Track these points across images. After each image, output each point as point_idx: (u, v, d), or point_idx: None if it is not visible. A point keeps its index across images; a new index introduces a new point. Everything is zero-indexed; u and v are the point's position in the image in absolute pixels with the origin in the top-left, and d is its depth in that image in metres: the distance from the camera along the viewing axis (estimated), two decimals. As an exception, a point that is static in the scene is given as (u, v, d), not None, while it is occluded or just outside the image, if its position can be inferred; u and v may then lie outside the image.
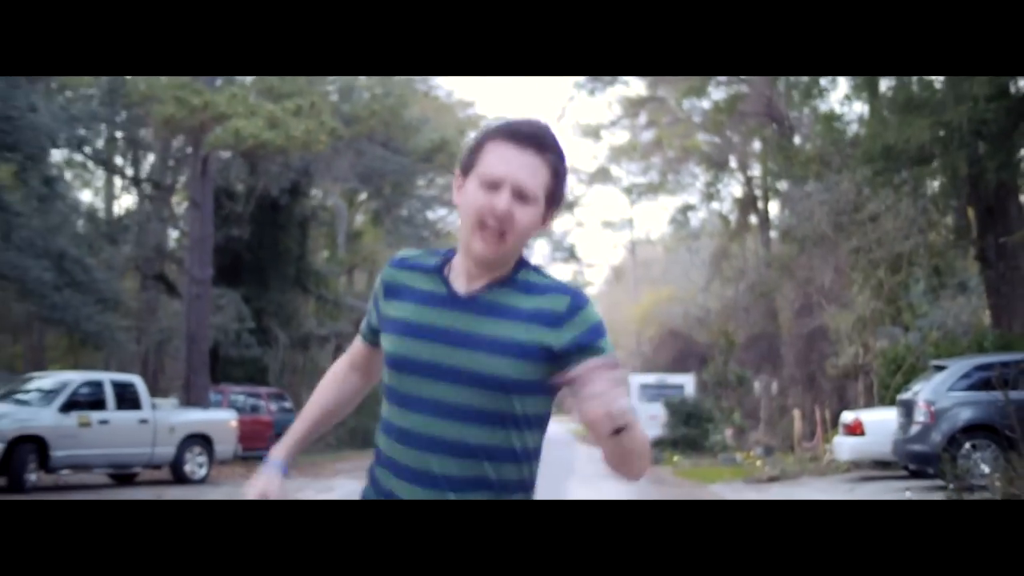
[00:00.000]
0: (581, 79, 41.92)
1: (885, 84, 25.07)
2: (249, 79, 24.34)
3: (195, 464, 21.34)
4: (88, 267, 19.90)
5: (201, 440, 21.48)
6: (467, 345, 2.63)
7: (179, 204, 34.68)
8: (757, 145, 40.59)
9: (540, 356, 2.62)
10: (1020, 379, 15.24)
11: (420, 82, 37.53)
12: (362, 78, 26.96)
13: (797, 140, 32.23)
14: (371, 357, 2.94)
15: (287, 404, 28.90)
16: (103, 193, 38.18)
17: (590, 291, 56.30)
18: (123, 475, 21.23)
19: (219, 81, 23.47)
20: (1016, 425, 14.12)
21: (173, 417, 21.35)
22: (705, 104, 39.19)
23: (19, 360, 37.74)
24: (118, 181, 35.48)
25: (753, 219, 44.03)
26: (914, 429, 16.51)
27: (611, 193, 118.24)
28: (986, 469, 15.05)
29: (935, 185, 23.39)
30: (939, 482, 15.22)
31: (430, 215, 39.02)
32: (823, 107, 27.82)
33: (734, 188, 46.29)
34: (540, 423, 2.76)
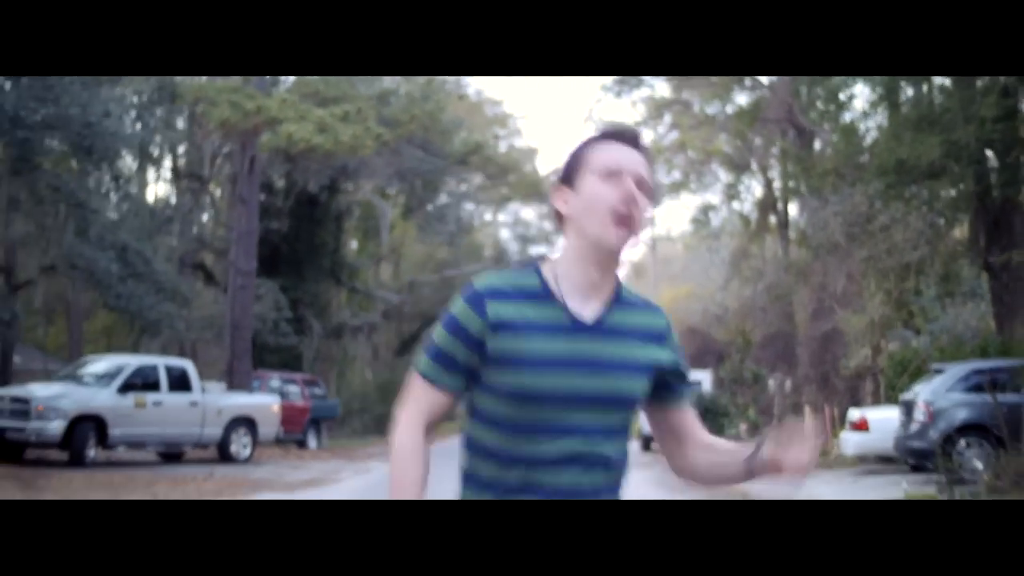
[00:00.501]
0: (608, 82, 43.10)
1: (903, 97, 26.39)
2: (292, 82, 25.78)
3: (240, 445, 22.86)
4: (148, 259, 21.41)
5: (246, 422, 23.01)
6: (605, 370, 2.69)
7: (216, 195, 36.21)
8: (778, 147, 41.63)
9: (653, 372, 2.77)
10: (1011, 383, 16.64)
11: (452, 83, 38.99)
12: (400, 82, 28.39)
13: (817, 145, 33.52)
14: (447, 404, 2.76)
15: (320, 390, 30.40)
16: (136, 182, 39.73)
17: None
18: (171, 454, 22.83)
19: (268, 83, 24.98)
20: (1004, 426, 15.62)
21: (221, 400, 22.91)
22: (728, 109, 40.38)
23: (50, 341, 39.39)
24: (151, 171, 36.98)
25: (772, 220, 45.01)
26: (914, 427, 17.88)
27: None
28: (979, 465, 16.47)
29: (944, 199, 24.66)
30: (935, 476, 16.61)
31: (461, 212, 40.45)
32: (843, 118, 29.06)
33: (755, 189, 47.25)
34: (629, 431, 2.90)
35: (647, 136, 53.11)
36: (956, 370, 18.40)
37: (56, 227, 19.11)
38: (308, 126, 22.20)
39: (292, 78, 27.72)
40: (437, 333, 2.75)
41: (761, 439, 2.77)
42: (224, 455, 22.54)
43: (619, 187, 2.65)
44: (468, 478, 2.77)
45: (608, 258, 2.70)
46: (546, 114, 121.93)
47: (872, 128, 29.03)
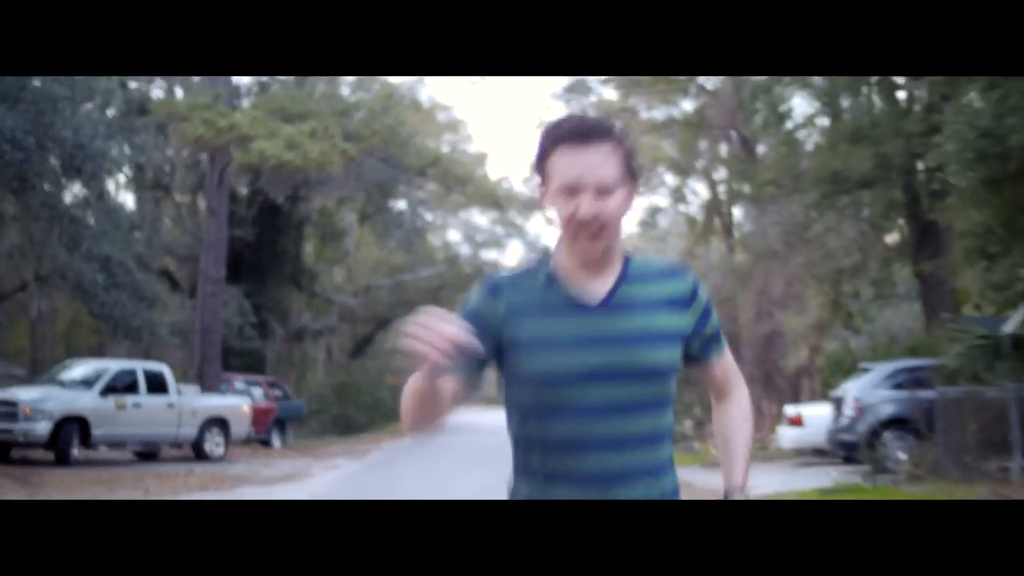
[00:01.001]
0: (557, 89, 44.66)
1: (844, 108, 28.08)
2: (258, 98, 27.20)
3: (213, 444, 24.24)
4: (129, 269, 22.80)
5: (219, 423, 24.41)
6: (621, 344, 2.76)
7: (179, 203, 37.46)
8: (724, 147, 43.10)
9: (680, 337, 2.85)
10: (930, 381, 18.40)
11: (407, 90, 40.48)
12: (361, 96, 29.89)
13: (761, 149, 35.15)
14: (454, 390, 2.73)
15: (282, 392, 31.79)
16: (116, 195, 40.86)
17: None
18: (148, 453, 24.17)
19: (233, 98, 26.39)
20: (923, 420, 17.40)
21: (195, 402, 24.25)
22: (676, 113, 41.93)
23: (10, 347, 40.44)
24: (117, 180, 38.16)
25: (717, 223, 46.58)
26: (843, 422, 19.56)
27: None
28: (902, 456, 18.19)
29: (875, 208, 26.41)
30: (862, 466, 18.32)
31: (416, 219, 41.92)
32: (785, 127, 30.82)
33: (702, 191, 48.74)
34: (674, 401, 2.91)
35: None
36: (882, 369, 20.17)
37: (47, 241, 20.47)
38: (278, 143, 23.66)
39: (257, 94, 29.12)
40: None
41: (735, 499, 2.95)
42: (199, 454, 23.87)
43: (579, 204, 2.72)
44: (515, 470, 2.91)
45: (589, 254, 2.81)
46: (496, 118, 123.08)
47: (811, 139, 30.72)
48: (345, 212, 38.79)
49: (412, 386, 2.60)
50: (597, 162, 2.74)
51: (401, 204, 39.78)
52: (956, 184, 14.13)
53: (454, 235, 52.02)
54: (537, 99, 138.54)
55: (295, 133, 24.03)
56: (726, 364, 3.07)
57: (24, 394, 21.62)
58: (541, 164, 2.83)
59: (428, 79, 55.39)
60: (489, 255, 52.43)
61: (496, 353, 2.83)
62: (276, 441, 29.77)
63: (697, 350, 2.96)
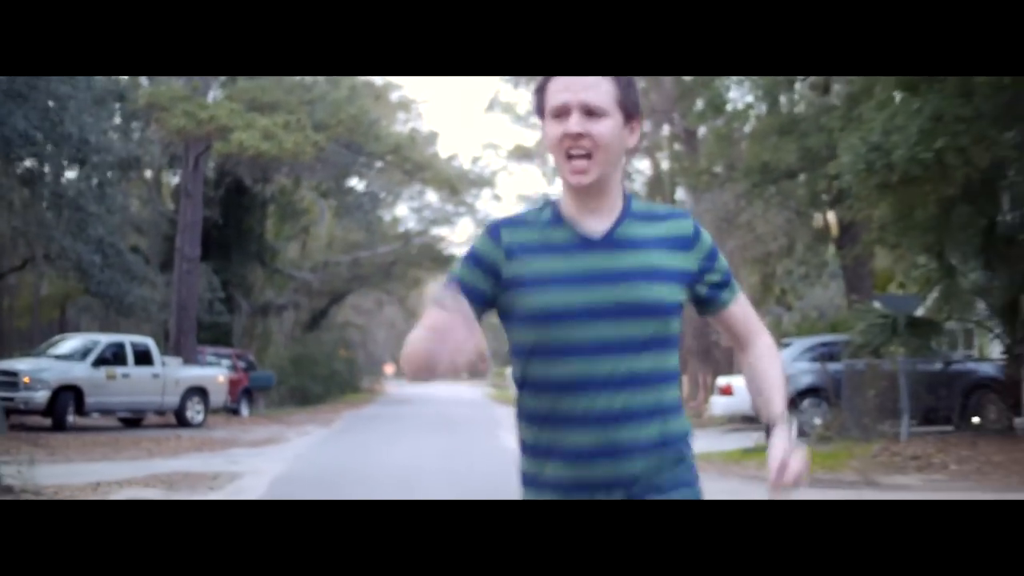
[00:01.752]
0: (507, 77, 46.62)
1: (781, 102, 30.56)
2: (233, 91, 29.40)
3: (194, 411, 26.54)
4: (120, 250, 25.11)
5: (199, 392, 26.75)
6: (622, 280, 2.77)
7: (147, 181, 39.52)
8: (667, 128, 45.44)
9: (681, 278, 2.85)
10: (839, 354, 21.09)
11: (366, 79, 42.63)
12: (326, 89, 32.15)
13: (702, 131, 37.60)
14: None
15: (248, 364, 34.07)
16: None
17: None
18: (133, 419, 26.42)
19: (212, 92, 28.61)
20: (832, 388, 20.15)
21: (178, 373, 26.53)
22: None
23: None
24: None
25: (659, 200, 49.01)
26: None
27: (528, 169, 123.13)
28: (817, 420, 20.87)
29: (799, 197, 29.02)
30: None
31: (375, 199, 44.11)
32: (721, 121, 33.34)
33: (647, 167, 50.98)
34: (679, 342, 2.93)
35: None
36: (800, 344, 22.89)
37: (55, 226, 22.76)
38: (255, 134, 25.90)
39: (226, 84, 31.27)
40: (458, 263, 2.92)
41: (776, 431, 2.89)
42: (181, 420, 26.12)
43: (566, 124, 2.76)
44: (520, 418, 2.90)
45: (583, 179, 2.79)
46: (446, 98, 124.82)
47: (748, 126, 33.14)
48: (308, 192, 40.93)
49: (422, 348, 2.64)
50: (586, 84, 2.78)
51: (359, 185, 42.02)
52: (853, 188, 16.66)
53: (403, 211, 54.16)
54: (486, 80, 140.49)
55: (270, 125, 26.31)
56: (745, 311, 3.04)
57: (23, 365, 23.78)
58: (540, 103, 2.88)
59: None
60: (440, 231, 54.66)
61: (495, 295, 2.86)
62: (244, 410, 32.00)
63: (706, 296, 2.94)
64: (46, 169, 20.96)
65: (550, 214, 2.89)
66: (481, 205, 56.72)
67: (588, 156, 2.76)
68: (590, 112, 2.76)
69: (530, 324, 2.79)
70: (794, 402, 21.02)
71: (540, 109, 2.88)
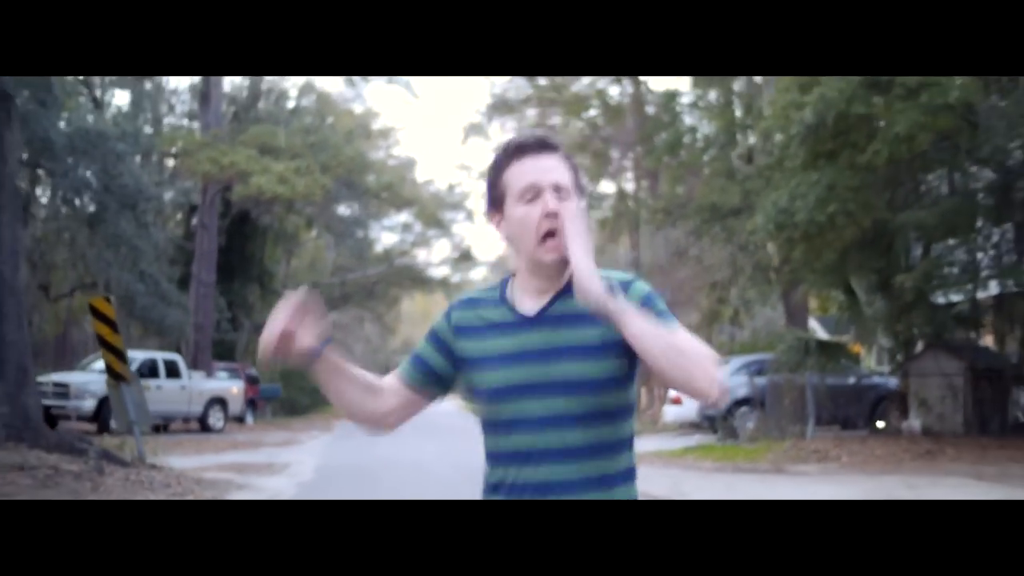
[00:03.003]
0: (482, 107, 51.23)
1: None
2: (244, 137, 33.92)
3: (216, 419, 30.89)
4: (158, 280, 29.70)
5: (220, 402, 31.21)
6: (550, 358, 2.82)
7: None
8: (631, 156, 49.42)
9: (615, 350, 2.79)
10: (767, 370, 25.84)
11: (343, 101, 47.03)
12: (327, 131, 36.81)
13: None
14: (404, 397, 3.04)
15: (251, 376, 38.42)
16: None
17: (477, 276, 65.85)
18: (160, 425, 30.67)
19: (230, 136, 33.19)
20: (759, 398, 24.94)
21: (201, 385, 30.92)
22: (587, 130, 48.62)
23: None
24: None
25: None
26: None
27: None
28: (749, 425, 25.61)
29: (742, 234, 33.58)
30: (720, 434, 25.68)
31: (362, 226, 48.61)
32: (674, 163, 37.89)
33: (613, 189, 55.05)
34: (631, 412, 2.94)
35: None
36: (736, 361, 27.57)
37: (108, 260, 27.28)
38: (272, 178, 30.41)
39: (232, 123, 35.70)
40: (422, 340, 3.07)
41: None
42: (204, 427, 30.45)
43: (542, 204, 2.83)
44: (484, 478, 3.01)
45: (549, 270, 2.87)
46: (423, 124, 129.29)
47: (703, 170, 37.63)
48: (297, 218, 45.39)
49: (325, 387, 2.94)
50: (553, 165, 2.88)
51: (346, 211, 46.57)
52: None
53: (386, 235, 58.48)
54: (462, 105, 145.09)
55: (284, 170, 30.84)
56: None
57: (73, 378, 28.11)
58: (496, 181, 2.93)
59: (364, 88, 61.51)
60: (419, 252, 59.01)
61: (453, 373, 3.01)
62: (249, 418, 36.26)
63: None
64: (106, 215, 25.40)
65: (497, 294, 2.99)
66: (456, 228, 60.85)
67: (559, 233, 2.80)
68: (559, 191, 2.85)
69: (480, 399, 2.93)
70: (731, 410, 25.75)
71: (497, 199, 2.94)
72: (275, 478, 17.80)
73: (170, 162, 37.78)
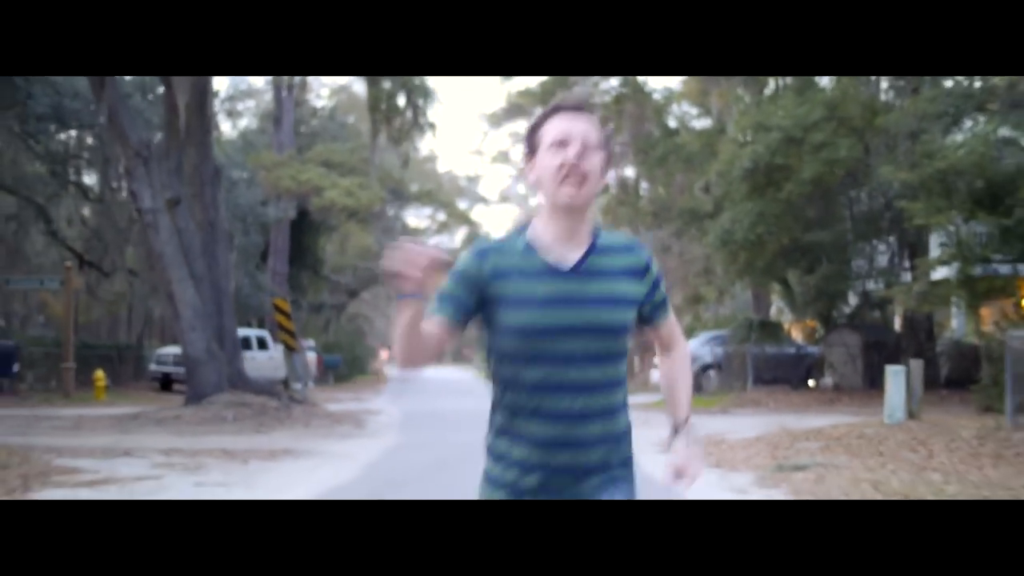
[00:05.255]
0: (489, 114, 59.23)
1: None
2: (315, 156, 42.97)
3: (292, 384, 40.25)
4: (254, 273, 39.16)
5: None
6: (589, 304, 3.36)
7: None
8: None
9: (634, 303, 3.47)
10: (727, 342, 35.35)
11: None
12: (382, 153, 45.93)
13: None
14: (442, 334, 3.42)
15: (313, 349, 47.50)
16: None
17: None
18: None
19: (302, 156, 42.48)
20: (718, 364, 34.53)
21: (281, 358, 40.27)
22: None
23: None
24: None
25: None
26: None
27: (508, 171, 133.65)
28: (712, 382, 35.13)
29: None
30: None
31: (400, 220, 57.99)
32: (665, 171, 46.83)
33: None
34: (627, 353, 3.51)
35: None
36: (703, 336, 37.06)
37: (236, 266, 36.75)
38: (341, 192, 39.32)
39: (306, 150, 44.69)
40: (448, 279, 3.43)
41: (678, 435, 3.61)
42: (286, 388, 39.76)
43: (567, 151, 3.33)
44: (494, 406, 3.55)
45: (570, 212, 3.40)
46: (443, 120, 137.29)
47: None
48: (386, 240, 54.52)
49: (401, 323, 3.22)
50: (585, 124, 3.41)
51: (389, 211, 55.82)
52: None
53: (414, 222, 67.58)
54: (476, 93, 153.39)
55: (350, 185, 39.92)
56: (671, 324, 3.68)
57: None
58: (533, 135, 3.47)
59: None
60: (442, 239, 68.04)
61: (479, 307, 3.44)
62: (311, 383, 45.48)
63: (647, 314, 3.55)
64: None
65: (524, 243, 3.46)
66: (475, 215, 69.87)
67: (582, 180, 3.36)
68: (587, 146, 3.35)
69: (509, 336, 3.41)
70: (700, 373, 35.10)
71: (532, 147, 3.48)
72: (383, 416, 27.29)
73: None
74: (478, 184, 67.58)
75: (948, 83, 27.34)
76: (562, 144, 3.36)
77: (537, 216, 3.52)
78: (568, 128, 3.38)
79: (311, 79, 49.06)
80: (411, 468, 15.38)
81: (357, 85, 54.15)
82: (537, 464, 3.42)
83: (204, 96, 25.63)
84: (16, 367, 28.60)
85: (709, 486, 12.34)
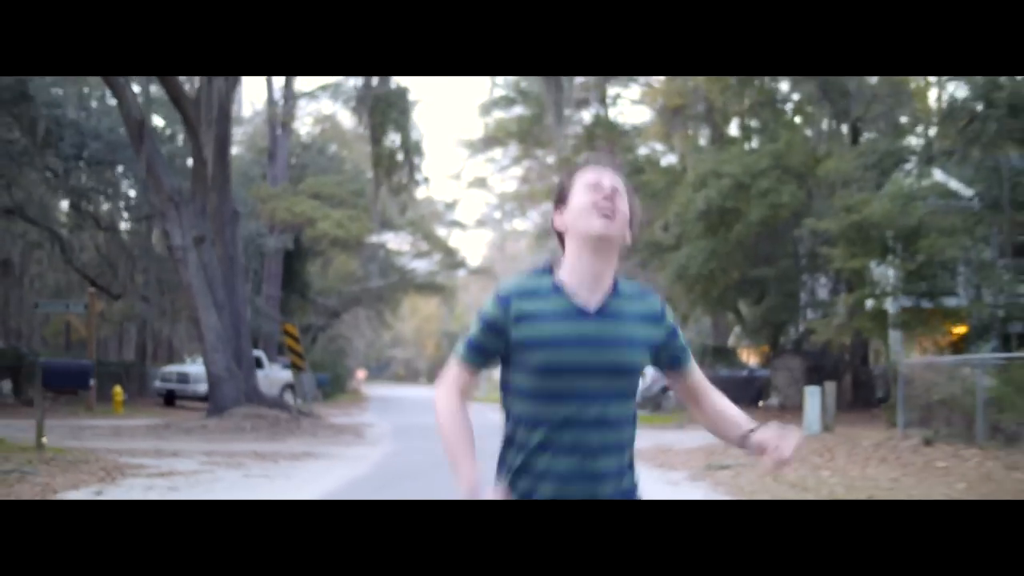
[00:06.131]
0: (474, 142, 62.60)
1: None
2: (307, 188, 46.69)
3: (287, 399, 43.80)
4: (257, 302, 42.86)
5: (290, 387, 43.99)
6: (606, 346, 3.55)
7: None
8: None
9: (649, 346, 3.66)
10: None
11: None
12: (365, 181, 49.76)
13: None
14: (475, 380, 3.76)
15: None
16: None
17: (461, 275, 79.01)
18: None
19: (294, 190, 46.27)
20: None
21: (278, 374, 43.17)
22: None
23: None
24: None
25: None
26: (644, 384, 39.63)
27: (485, 197, 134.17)
28: (672, 403, 38.95)
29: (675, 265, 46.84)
30: (652, 409, 38.98)
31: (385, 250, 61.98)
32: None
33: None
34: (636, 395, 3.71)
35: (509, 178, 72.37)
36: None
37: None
38: (333, 223, 42.97)
39: (310, 184, 48.11)
40: (473, 327, 3.69)
41: (759, 425, 3.74)
42: (280, 405, 43.32)
43: (601, 185, 3.57)
44: (506, 441, 3.69)
45: (601, 248, 3.58)
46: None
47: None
48: (371, 267, 58.46)
49: (451, 442, 3.63)
50: (614, 175, 3.66)
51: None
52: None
53: (393, 244, 71.16)
54: (462, 119, 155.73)
55: (341, 217, 43.62)
56: (697, 372, 3.89)
57: (190, 368, 40.77)
58: (566, 182, 3.71)
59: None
60: (419, 264, 71.81)
61: (504, 351, 3.63)
62: (297, 400, 49.32)
63: (668, 360, 3.77)
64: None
65: (549, 284, 3.62)
66: (452, 241, 73.63)
67: (613, 212, 3.56)
68: (616, 191, 3.60)
69: (534, 375, 3.56)
70: (661, 392, 38.90)
71: (563, 196, 3.69)
72: (376, 428, 31.14)
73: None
74: (455, 209, 71.09)
75: (880, 139, 31.51)
76: (596, 186, 3.59)
77: (564, 259, 3.69)
78: (600, 175, 3.63)
79: (298, 109, 52.55)
80: (413, 466, 18.97)
81: (341, 114, 58.61)
82: (556, 497, 3.58)
83: (224, 147, 29.51)
84: (92, 382, 31.95)
85: (650, 481, 15.64)
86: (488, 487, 3.46)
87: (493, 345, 3.65)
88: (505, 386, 3.71)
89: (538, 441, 3.57)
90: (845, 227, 27.12)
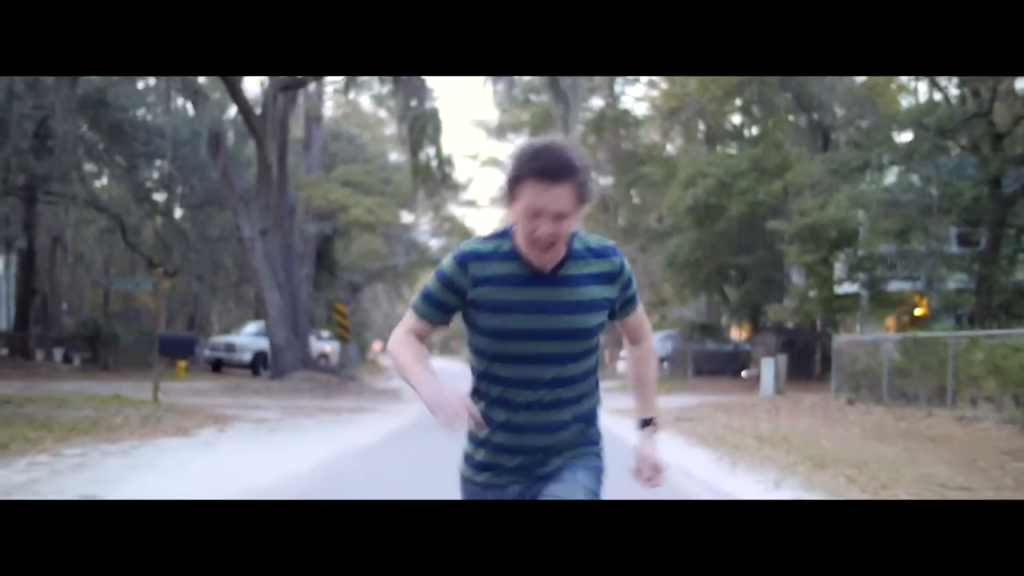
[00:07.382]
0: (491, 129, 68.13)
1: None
2: (338, 176, 52.10)
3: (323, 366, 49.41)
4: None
5: (324, 356, 49.28)
6: (563, 311, 3.66)
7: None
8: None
9: (606, 304, 3.77)
10: (676, 340, 44.99)
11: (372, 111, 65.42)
12: (392, 169, 55.11)
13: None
14: (427, 334, 3.90)
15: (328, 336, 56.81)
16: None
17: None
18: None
19: (328, 177, 51.83)
20: (670, 357, 44.23)
21: (314, 345, 48.16)
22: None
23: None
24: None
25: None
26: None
27: (498, 175, 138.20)
28: (665, 373, 44.63)
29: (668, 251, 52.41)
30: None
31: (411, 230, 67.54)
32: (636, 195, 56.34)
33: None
34: (599, 348, 3.86)
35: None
36: (659, 333, 46.07)
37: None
38: (364, 210, 48.30)
39: (341, 173, 53.43)
40: (430, 281, 3.82)
41: (652, 421, 4.07)
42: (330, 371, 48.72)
43: (539, 226, 3.55)
44: (472, 392, 3.87)
45: (541, 261, 3.69)
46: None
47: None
48: (397, 247, 63.97)
49: (408, 367, 3.76)
50: (558, 196, 3.51)
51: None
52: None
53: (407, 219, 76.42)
54: (468, 97, 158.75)
55: (372, 204, 49.08)
56: (640, 319, 4.04)
57: (236, 339, 46.25)
58: (512, 184, 3.62)
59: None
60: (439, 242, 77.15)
61: (462, 309, 3.81)
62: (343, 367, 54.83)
63: (618, 310, 3.88)
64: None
65: (506, 248, 3.73)
66: (468, 221, 78.66)
67: (550, 247, 3.61)
68: (558, 216, 3.52)
69: (490, 337, 3.76)
70: (661, 360, 44.68)
71: (511, 195, 3.64)
72: (409, 391, 36.66)
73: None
74: (469, 188, 76.30)
75: (843, 149, 37.04)
76: (534, 215, 3.54)
77: (517, 226, 3.68)
78: (541, 202, 3.51)
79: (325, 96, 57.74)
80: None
81: (361, 97, 64.38)
82: (516, 447, 3.83)
83: (284, 152, 35.29)
84: (197, 351, 36.67)
85: (627, 430, 21.42)
86: (450, 390, 3.51)
87: (449, 301, 3.81)
88: (469, 343, 3.92)
89: (492, 395, 3.82)
90: (799, 228, 32.81)
